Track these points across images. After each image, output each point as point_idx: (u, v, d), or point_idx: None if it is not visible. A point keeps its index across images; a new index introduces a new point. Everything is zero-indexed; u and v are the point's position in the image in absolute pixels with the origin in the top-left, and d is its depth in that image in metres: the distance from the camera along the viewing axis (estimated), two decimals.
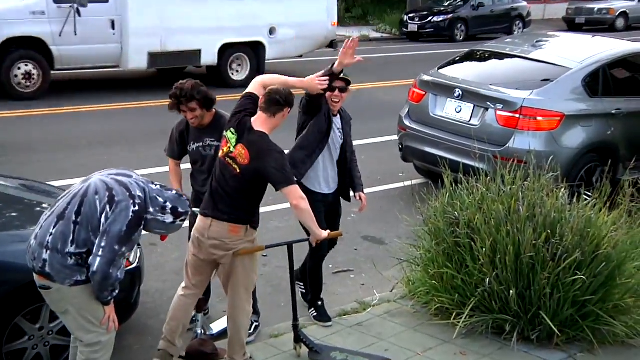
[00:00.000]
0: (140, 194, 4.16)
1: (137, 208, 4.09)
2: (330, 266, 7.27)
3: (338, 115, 5.84)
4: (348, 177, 6.01)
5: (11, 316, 4.74)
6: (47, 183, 6.72)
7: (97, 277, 4.06)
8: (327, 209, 5.88)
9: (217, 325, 5.70)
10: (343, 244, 7.82)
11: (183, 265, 5.17)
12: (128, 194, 4.12)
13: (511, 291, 5.54)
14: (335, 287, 6.88)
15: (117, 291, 4.20)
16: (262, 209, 5.10)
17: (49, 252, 4.10)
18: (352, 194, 6.16)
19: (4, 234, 4.99)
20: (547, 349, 5.64)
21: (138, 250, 5.27)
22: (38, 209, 5.57)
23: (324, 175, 5.83)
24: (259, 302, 5.86)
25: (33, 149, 10.39)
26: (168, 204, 4.25)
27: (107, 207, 4.07)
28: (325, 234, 5.06)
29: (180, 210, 4.31)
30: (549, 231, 5.65)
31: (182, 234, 5.12)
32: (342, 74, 5.40)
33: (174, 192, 4.38)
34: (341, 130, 5.84)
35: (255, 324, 5.71)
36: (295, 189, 4.79)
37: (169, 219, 4.25)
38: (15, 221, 5.28)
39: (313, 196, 5.54)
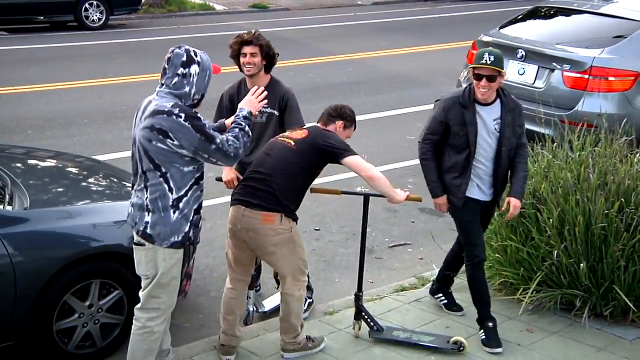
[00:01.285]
0: (168, 106, 4.10)
1: (183, 115, 4.05)
2: (387, 240, 7.31)
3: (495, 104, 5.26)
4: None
5: (60, 294, 4.84)
6: (92, 157, 6.82)
7: (236, 149, 4.24)
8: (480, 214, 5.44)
9: (270, 302, 5.76)
10: (399, 217, 7.85)
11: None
12: (160, 113, 4.07)
13: (581, 264, 5.48)
14: (392, 262, 6.91)
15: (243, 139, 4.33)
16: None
17: (150, 214, 4.19)
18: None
19: (51, 209, 5.08)
20: (621, 326, 5.60)
21: None
22: (84, 184, 5.68)
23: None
24: (312, 278, 5.90)
25: (72, 122, 10.51)
26: (181, 69, 4.19)
27: (163, 137, 4.07)
28: (403, 195, 5.00)
29: (183, 58, 4.19)
30: (622, 200, 5.58)
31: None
32: (490, 62, 5.03)
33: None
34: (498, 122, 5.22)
35: (308, 300, 5.75)
36: (359, 159, 4.78)
37: (195, 69, 4.19)
38: (61, 197, 5.38)
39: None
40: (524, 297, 5.59)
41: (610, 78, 7.87)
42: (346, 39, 17.22)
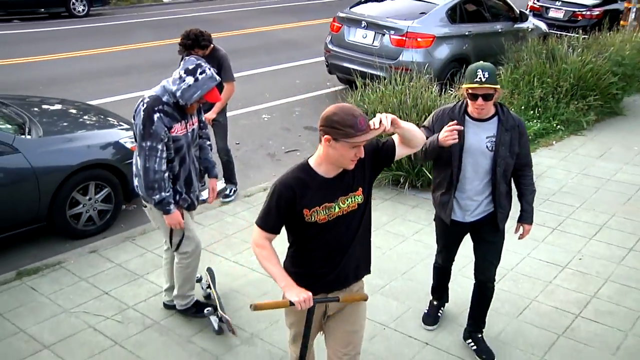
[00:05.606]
0: (151, 95, 3.30)
1: (145, 106, 3.24)
2: (283, 147, 7.36)
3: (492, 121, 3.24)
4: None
5: (69, 191, 4.78)
6: (85, 102, 6.58)
7: (140, 174, 3.30)
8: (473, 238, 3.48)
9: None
10: (291, 133, 7.92)
11: None
12: (141, 100, 3.33)
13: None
14: (288, 162, 6.96)
15: (164, 193, 3.31)
16: None
17: (136, 178, 3.44)
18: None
19: (58, 137, 4.92)
20: (427, 192, 5.75)
21: None
22: (80, 120, 5.50)
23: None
24: (237, 175, 5.83)
25: (68, 80, 10.01)
26: (182, 72, 3.27)
27: (134, 117, 3.35)
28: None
29: (190, 66, 3.25)
30: (426, 114, 5.73)
31: None
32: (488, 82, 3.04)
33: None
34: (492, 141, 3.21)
35: (234, 188, 5.74)
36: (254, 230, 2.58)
37: (190, 80, 3.23)
38: (65, 128, 5.20)
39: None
40: None
41: (419, 39, 7.99)
42: (252, 18, 16.77)
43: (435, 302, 3.90)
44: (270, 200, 2.41)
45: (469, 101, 3.17)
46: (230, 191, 5.73)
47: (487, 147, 3.18)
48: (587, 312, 4.02)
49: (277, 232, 2.47)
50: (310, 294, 2.36)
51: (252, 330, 3.76)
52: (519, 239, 3.46)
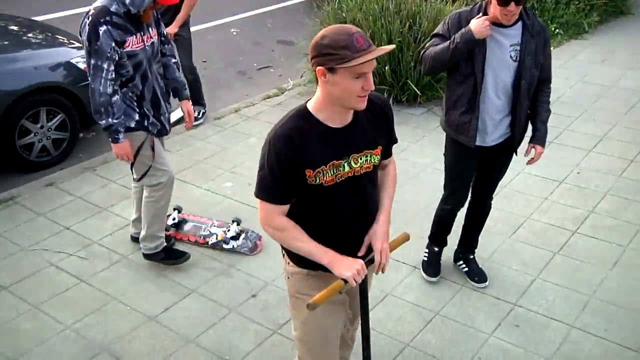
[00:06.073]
0: (96, 6, 3.12)
1: (90, 19, 3.07)
2: (255, 64, 7.23)
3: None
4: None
5: (17, 119, 4.64)
6: (29, 18, 6.28)
7: (90, 94, 3.18)
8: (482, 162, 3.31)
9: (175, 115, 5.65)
10: (263, 47, 7.73)
11: None
12: (86, 13, 3.13)
13: (386, 67, 5.64)
14: (260, 80, 6.87)
15: (111, 119, 3.18)
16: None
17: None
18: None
19: (0, 56, 4.72)
20: (413, 107, 5.85)
21: None
22: (24, 37, 5.27)
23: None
24: (205, 95, 5.74)
25: None
26: None
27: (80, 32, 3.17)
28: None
29: None
30: (410, 21, 5.66)
31: None
32: None
33: None
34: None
35: (202, 111, 5.65)
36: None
37: None
38: (7, 48, 4.97)
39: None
40: None
41: None
42: None
43: (436, 249, 3.67)
44: (267, 162, 1.98)
45: (494, 6, 2.83)
46: (198, 113, 5.64)
47: (510, 57, 2.94)
48: (584, 228, 4.09)
49: (290, 200, 2.05)
50: (360, 261, 2.04)
51: (228, 261, 3.78)
52: (529, 163, 3.25)
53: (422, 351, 3.10)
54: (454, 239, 3.71)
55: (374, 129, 2.10)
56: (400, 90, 5.79)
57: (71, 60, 4.91)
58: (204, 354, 3.09)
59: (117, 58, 3.12)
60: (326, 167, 2.00)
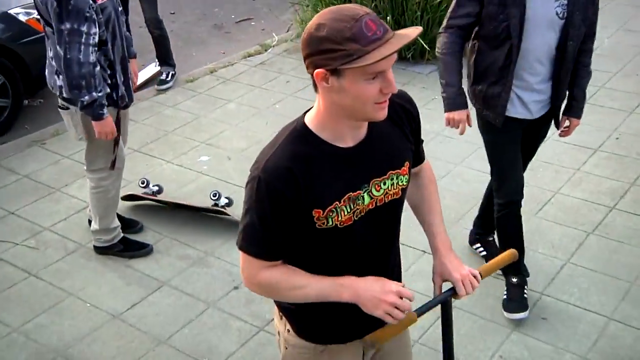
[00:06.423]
0: None
1: None
2: (233, 16, 7.19)
3: None
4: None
5: None
6: None
7: (62, 69, 3.10)
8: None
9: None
10: None
11: None
12: None
13: (388, 17, 5.61)
14: (239, 35, 6.84)
15: (95, 93, 3.10)
16: None
17: (61, 76, 3.17)
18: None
19: None
20: (420, 64, 5.83)
21: None
22: None
23: None
24: (174, 54, 5.72)
25: None
26: None
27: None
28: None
29: None
30: None
31: None
32: None
33: None
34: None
35: (171, 72, 5.61)
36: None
37: None
38: None
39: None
40: None
41: None
42: None
43: (514, 280, 3.31)
44: (256, 206, 1.65)
45: None
46: (166, 75, 5.60)
47: (556, 13, 2.78)
48: (623, 203, 4.09)
49: (283, 255, 1.74)
50: (397, 283, 1.73)
51: (205, 249, 3.77)
52: (562, 135, 3.19)
53: (433, 349, 3.09)
54: (469, 218, 3.70)
55: (397, 141, 1.78)
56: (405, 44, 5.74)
57: (9, 11, 4.84)
58: (178, 356, 3.08)
59: (95, 17, 3.03)
60: (340, 202, 1.68)
